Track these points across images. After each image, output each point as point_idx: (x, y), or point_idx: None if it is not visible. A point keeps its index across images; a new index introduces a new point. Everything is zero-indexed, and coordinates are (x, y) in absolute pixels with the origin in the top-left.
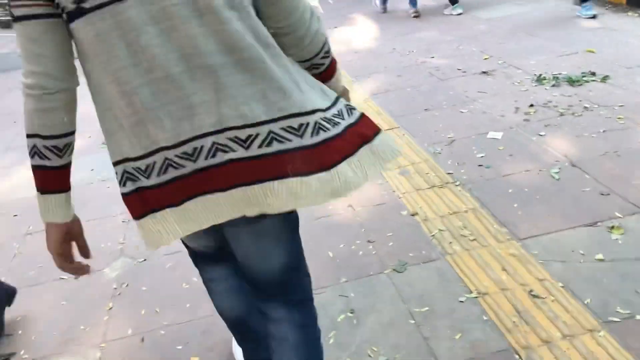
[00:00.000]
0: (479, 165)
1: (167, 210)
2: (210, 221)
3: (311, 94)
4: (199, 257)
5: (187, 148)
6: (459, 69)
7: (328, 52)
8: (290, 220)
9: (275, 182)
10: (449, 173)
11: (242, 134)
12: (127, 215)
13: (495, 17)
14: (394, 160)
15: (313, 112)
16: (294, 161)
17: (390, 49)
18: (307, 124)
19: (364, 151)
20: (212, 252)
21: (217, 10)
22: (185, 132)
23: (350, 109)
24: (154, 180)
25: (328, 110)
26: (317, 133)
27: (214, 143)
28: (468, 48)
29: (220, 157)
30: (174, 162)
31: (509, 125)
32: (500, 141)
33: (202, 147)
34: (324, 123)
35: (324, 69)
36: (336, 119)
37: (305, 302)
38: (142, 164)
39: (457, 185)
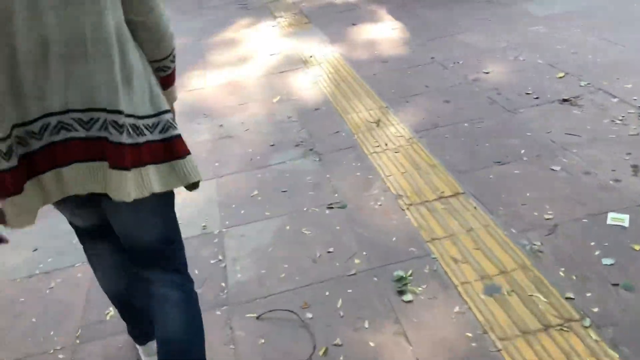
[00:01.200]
0: (613, 285)
1: (27, 183)
2: (60, 195)
3: (139, 98)
4: (85, 235)
5: (34, 127)
6: (528, 94)
7: (174, 56)
8: (165, 197)
9: (97, 163)
10: (568, 298)
11: (85, 116)
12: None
13: (555, 13)
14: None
15: (129, 115)
16: (111, 152)
17: (427, 57)
18: (124, 124)
19: (165, 166)
20: (96, 229)
21: (80, 2)
22: (34, 112)
23: (169, 127)
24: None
25: (144, 119)
26: (130, 135)
27: (59, 122)
28: (531, 59)
29: (63, 135)
30: (23, 139)
31: (634, 199)
32: (630, 231)
33: (48, 124)
34: (141, 128)
35: (169, 73)
36: (148, 129)
37: (182, 269)
38: (3, 146)
39: (587, 327)
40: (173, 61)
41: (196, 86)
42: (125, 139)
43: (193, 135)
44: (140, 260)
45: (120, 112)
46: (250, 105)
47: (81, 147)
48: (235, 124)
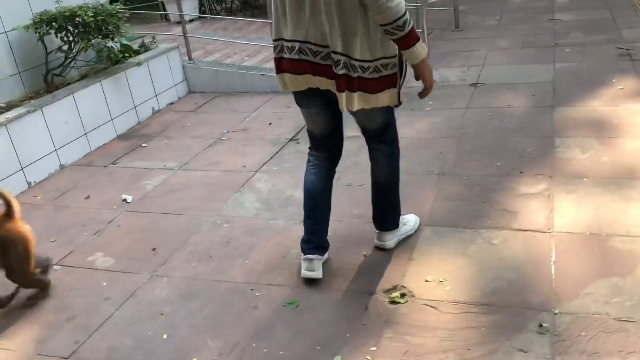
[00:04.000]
0: None
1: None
2: (304, 86)
3: (357, 46)
4: (311, 139)
5: (289, 44)
6: None
7: (400, 27)
8: (384, 107)
9: (324, 79)
10: None
11: (315, 48)
12: None
13: None
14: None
15: (344, 55)
16: (332, 76)
17: None
18: (339, 60)
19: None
20: (319, 137)
21: None
22: (290, 35)
23: (384, 67)
24: (287, 55)
25: (365, 62)
26: (342, 69)
27: (300, 47)
28: None
29: (301, 56)
30: (295, 48)
31: None
32: None
33: (295, 46)
34: (349, 66)
35: (396, 38)
36: (362, 69)
37: (391, 139)
38: (288, 44)
39: None
40: (397, 29)
41: (531, 224)
42: (339, 70)
43: None
44: (368, 136)
45: (335, 52)
46: None
47: (309, 67)
48: None
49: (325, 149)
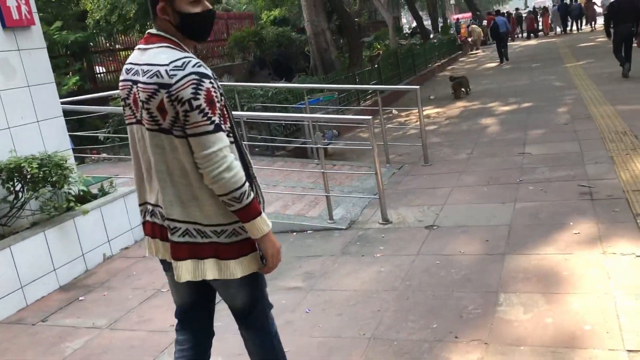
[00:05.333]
0: None
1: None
2: (158, 254)
3: (199, 212)
4: (177, 314)
5: (150, 207)
6: None
7: (236, 199)
8: (245, 279)
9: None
10: None
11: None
12: None
13: None
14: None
15: (187, 222)
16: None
17: None
18: (180, 228)
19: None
20: (181, 309)
21: (164, 149)
22: (146, 198)
23: (230, 234)
24: (147, 218)
25: (207, 226)
26: (183, 236)
27: (152, 209)
28: None
29: (152, 218)
30: (150, 211)
31: None
32: None
33: (148, 209)
34: (194, 232)
35: (233, 210)
36: (206, 235)
37: (261, 326)
38: (148, 207)
39: None
40: (233, 201)
41: None
42: (176, 238)
43: None
44: (236, 319)
45: (171, 219)
46: None
47: (158, 230)
48: None
49: (189, 326)
